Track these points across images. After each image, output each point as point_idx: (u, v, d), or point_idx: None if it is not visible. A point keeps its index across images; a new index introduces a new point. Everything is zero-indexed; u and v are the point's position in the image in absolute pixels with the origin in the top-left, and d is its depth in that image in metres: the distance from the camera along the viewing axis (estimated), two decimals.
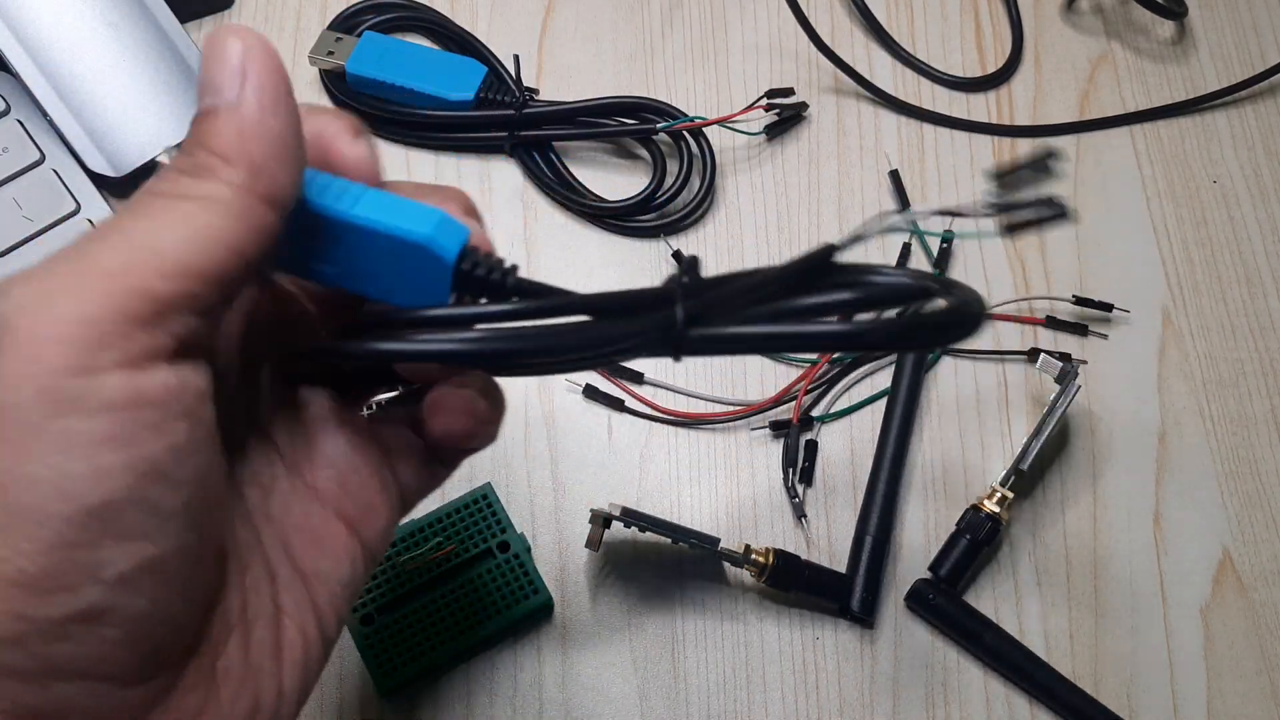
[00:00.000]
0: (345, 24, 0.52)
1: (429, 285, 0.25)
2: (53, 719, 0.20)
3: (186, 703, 0.22)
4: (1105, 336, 0.48)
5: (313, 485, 0.26)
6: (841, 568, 0.43)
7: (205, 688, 0.22)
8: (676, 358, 0.26)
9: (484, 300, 0.26)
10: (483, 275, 0.25)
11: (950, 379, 0.47)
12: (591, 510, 0.41)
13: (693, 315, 0.26)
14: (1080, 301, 0.48)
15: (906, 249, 0.49)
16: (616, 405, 0.46)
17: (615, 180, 0.50)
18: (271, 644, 0.24)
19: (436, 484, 0.29)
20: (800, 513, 0.44)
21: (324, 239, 0.25)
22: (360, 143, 0.25)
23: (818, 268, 0.26)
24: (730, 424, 0.46)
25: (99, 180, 0.47)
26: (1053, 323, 0.48)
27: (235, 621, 0.23)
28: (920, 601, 0.42)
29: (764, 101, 0.50)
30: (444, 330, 0.25)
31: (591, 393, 0.46)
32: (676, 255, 0.48)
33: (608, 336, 0.26)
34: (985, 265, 0.49)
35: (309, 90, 0.52)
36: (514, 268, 0.26)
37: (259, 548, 0.25)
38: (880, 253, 0.49)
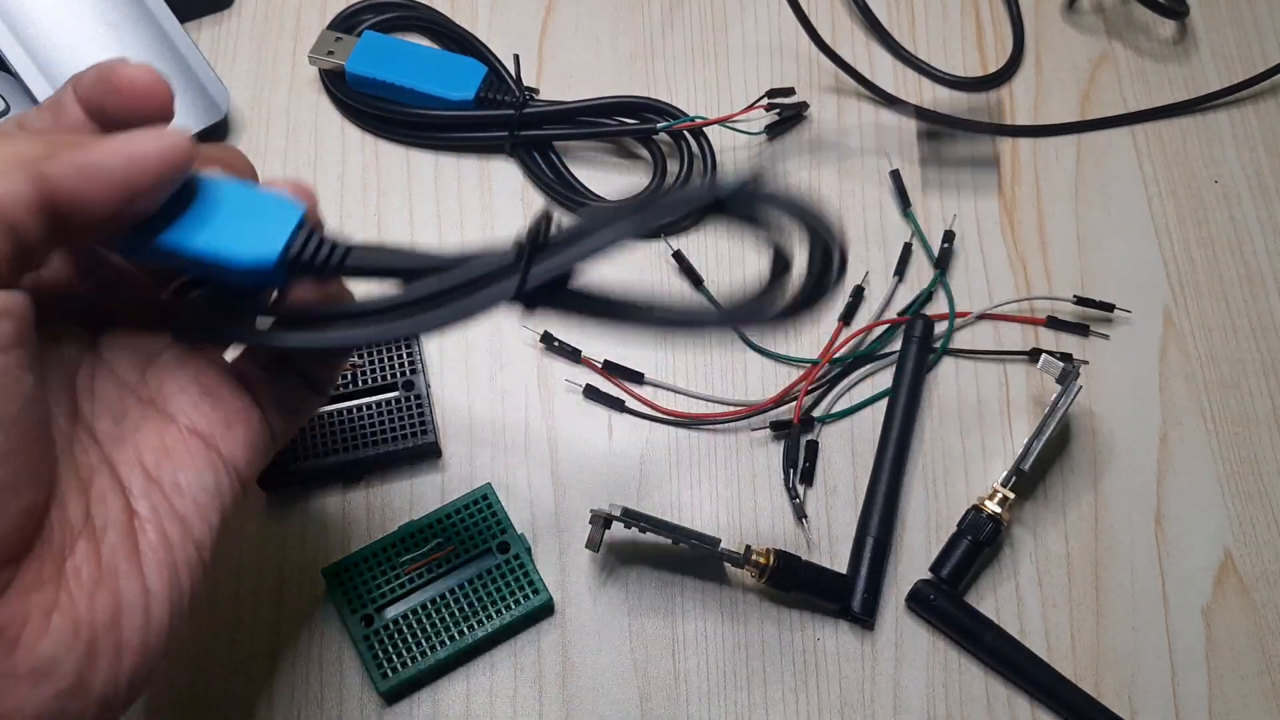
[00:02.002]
0: (345, 23, 0.51)
1: (262, 275, 0.29)
2: None
3: (34, 600, 0.24)
4: (1107, 337, 0.48)
5: (164, 410, 0.29)
6: (842, 568, 0.43)
7: (53, 586, 0.24)
8: (528, 311, 0.30)
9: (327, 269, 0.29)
10: (310, 260, 0.29)
11: (951, 379, 0.47)
12: (591, 510, 0.41)
13: (534, 284, 0.29)
14: (1081, 302, 0.48)
15: (907, 249, 0.49)
16: (617, 405, 0.46)
17: (615, 180, 0.50)
18: (126, 547, 0.26)
19: (308, 407, 0.32)
20: (801, 513, 0.44)
21: (165, 253, 0.28)
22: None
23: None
24: (731, 424, 0.46)
25: None
26: (1054, 323, 0.48)
27: (80, 528, 0.25)
28: (921, 602, 0.42)
29: (764, 101, 0.50)
30: (348, 324, 0.30)
31: (591, 393, 0.46)
32: (677, 255, 0.48)
33: (462, 310, 0.29)
34: (986, 265, 0.49)
35: (309, 90, 0.52)
36: (348, 250, 0.29)
37: (107, 465, 0.27)
38: (882, 253, 0.49)
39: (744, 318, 0.32)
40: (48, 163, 0.24)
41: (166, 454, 0.28)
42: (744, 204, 0.30)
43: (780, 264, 0.30)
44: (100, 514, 0.26)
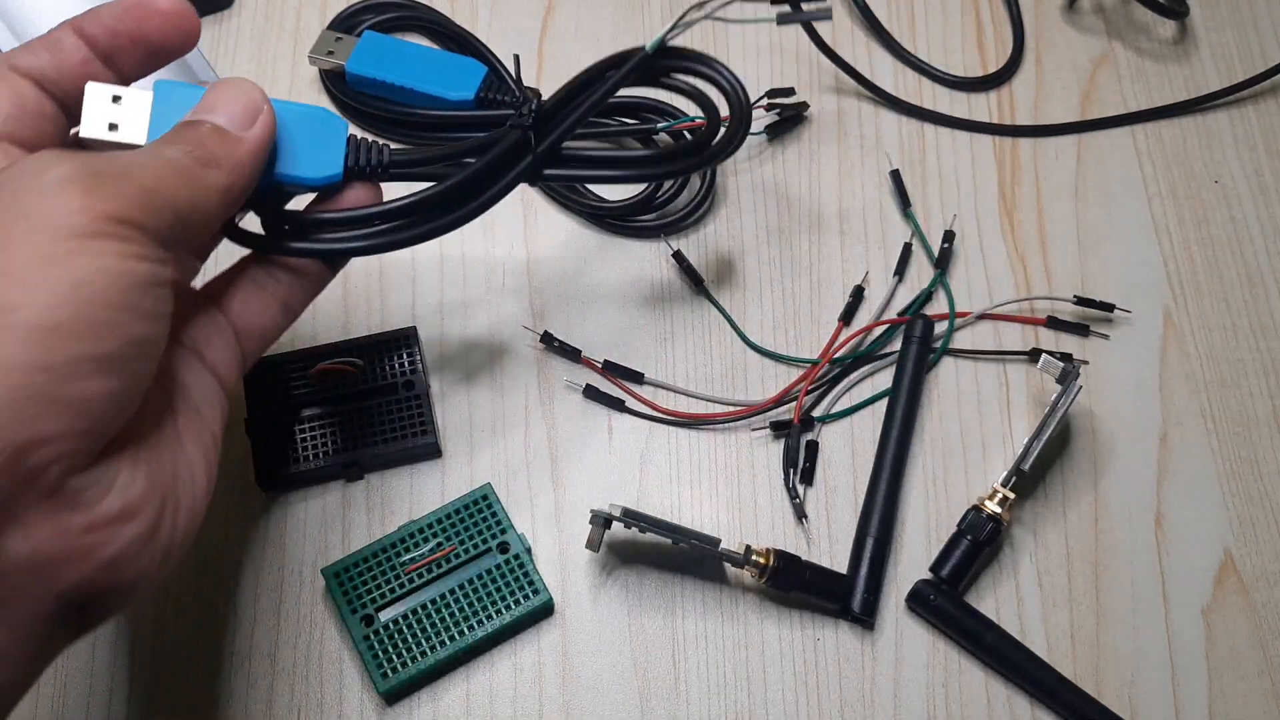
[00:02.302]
0: (345, 23, 0.51)
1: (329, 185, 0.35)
2: (35, 448, 0.25)
3: (124, 456, 0.28)
4: (1107, 337, 0.48)
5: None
6: (842, 568, 0.43)
7: (135, 447, 0.28)
8: (534, 184, 0.39)
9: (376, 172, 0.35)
10: (364, 166, 0.35)
11: (951, 379, 0.47)
12: (591, 510, 0.41)
13: (544, 154, 0.38)
14: (1082, 302, 0.48)
15: (907, 249, 0.49)
16: (617, 405, 0.46)
17: None
18: (171, 424, 0.30)
19: (325, 281, 0.36)
20: (801, 513, 0.44)
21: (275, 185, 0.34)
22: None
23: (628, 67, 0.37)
24: (731, 424, 0.46)
25: None
26: (1054, 323, 0.48)
27: (145, 407, 0.29)
28: (921, 602, 0.42)
29: (764, 101, 0.50)
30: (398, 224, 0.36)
31: (591, 393, 0.46)
32: (677, 255, 0.48)
33: (484, 202, 0.37)
34: (986, 265, 0.49)
35: (309, 90, 0.52)
36: (389, 148, 0.35)
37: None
38: (882, 253, 0.49)
39: (690, 160, 0.40)
40: (231, 190, 0.31)
41: (168, 359, 0.31)
42: (664, 57, 0.37)
43: (709, 112, 0.40)
44: (153, 397, 0.30)
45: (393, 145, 0.36)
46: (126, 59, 0.32)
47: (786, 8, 0.38)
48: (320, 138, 0.34)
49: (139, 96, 0.32)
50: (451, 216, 0.36)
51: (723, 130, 0.40)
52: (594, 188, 0.49)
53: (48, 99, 0.31)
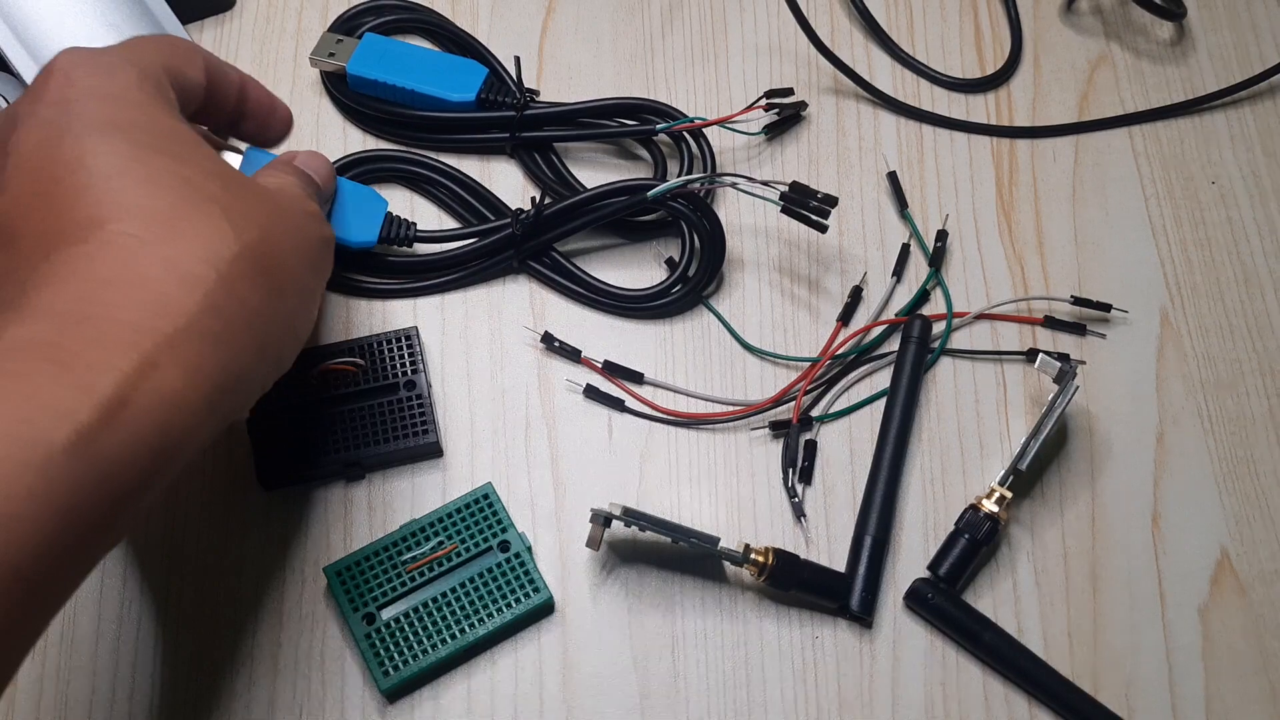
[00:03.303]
0: (346, 25, 0.52)
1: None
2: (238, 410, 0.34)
3: None
4: (1104, 337, 0.48)
5: None
6: (841, 567, 0.43)
7: None
8: (516, 268, 0.47)
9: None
10: (395, 237, 0.46)
11: (949, 379, 0.47)
12: (592, 510, 0.41)
13: (526, 248, 0.46)
14: (1079, 302, 0.48)
15: (905, 250, 0.49)
16: (617, 405, 0.46)
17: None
18: None
19: None
20: (799, 512, 0.44)
21: None
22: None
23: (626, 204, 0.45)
24: (730, 424, 0.46)
25: None
26: (1051, 323, 0.48)
27: None
28: (919, 601, 0.42)
29: (763, 101, 0.50)
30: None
31: (592, 393, 0.46)
32: (669, 262, 0.48)
33: (481, 271, 0.47)
34: (984, 265, 0.49)
35: (310, 92, 0.52)
36: (414, 226, 0.46)
37: None
38: (880, 254, 0.49)
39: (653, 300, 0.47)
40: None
41: None
42: (662, 201, 0.44)
43: (685, 256, 0.47)
44: None
45: (419, 225, 0.46)
46: (248, 124, 0.42)
47: (790, 204, 0.45)
48: (364, 211, 0.44)
49: (232, 157, 0.42)
50: (436, 282, 0.47)
51: (695, 266, 0.47)
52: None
53: (199, 98, 0.39)
